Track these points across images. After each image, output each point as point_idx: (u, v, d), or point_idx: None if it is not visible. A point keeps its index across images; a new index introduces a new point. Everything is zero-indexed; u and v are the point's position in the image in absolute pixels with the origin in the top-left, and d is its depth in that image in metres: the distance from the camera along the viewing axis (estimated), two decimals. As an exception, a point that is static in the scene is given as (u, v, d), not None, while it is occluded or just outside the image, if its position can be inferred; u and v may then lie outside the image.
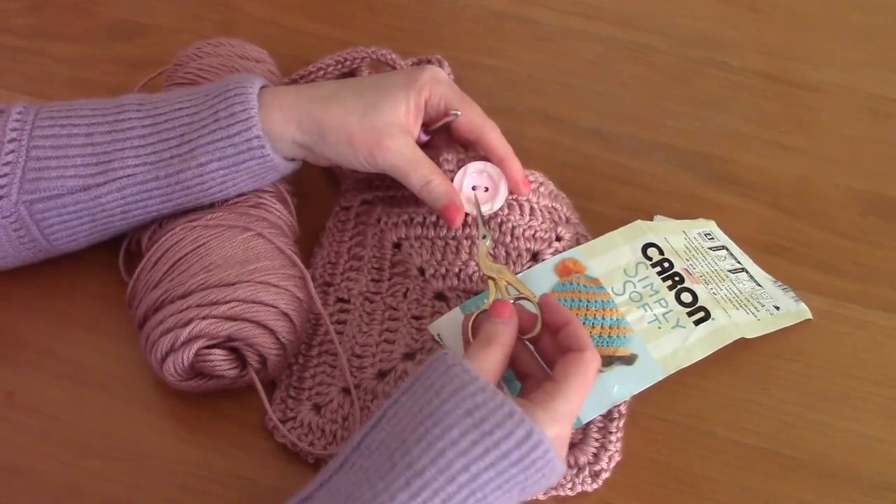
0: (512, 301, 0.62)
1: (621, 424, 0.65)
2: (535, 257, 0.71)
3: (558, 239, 0.71)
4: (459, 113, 0.68)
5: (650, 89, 0.87)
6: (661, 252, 0.70)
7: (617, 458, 0.64)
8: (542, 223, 0.71)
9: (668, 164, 0.81)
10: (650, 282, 0.69)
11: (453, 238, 0.70)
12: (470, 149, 0.72)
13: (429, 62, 0.83)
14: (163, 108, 0.66)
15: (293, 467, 0.64)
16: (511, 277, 0.64)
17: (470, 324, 0.62)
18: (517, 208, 0.70)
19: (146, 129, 0.65)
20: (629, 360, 0.65)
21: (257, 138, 0.65)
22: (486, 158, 0.70)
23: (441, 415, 0.52)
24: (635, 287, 0.68)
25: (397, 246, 0.72)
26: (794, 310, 0.71)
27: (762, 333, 0.68)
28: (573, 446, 0.64)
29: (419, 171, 0.67)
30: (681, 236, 0.73)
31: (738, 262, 0.74)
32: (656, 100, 0.86)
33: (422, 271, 0.71)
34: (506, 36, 0.91)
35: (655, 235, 0.71)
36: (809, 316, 0.71)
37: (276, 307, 0.64)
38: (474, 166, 0.70)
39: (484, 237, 0.67)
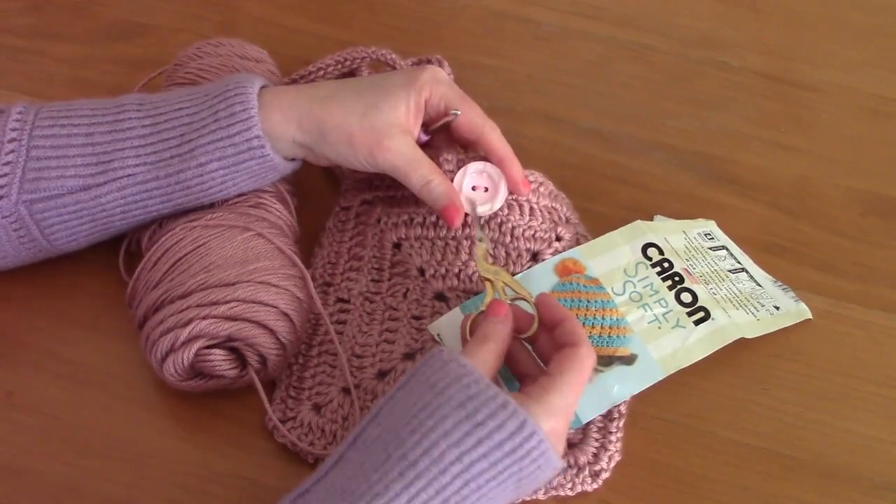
0: (508, 301, 0.63)
1: (621, 424, 0.65)
2: (535, 257, 0.71)
3: (558, 239, 0.71)
4: (459, 113, 0.68)
5: (650, 89, 0.87)
6: (661, 252, 0.70)
7: (617, 457, 0.64)
8: (541, 223, 0.71)
9: (668, 164, 0.81)
10: (650, 282, 0.69)
11: (453, 238, 0.70)
12: (469, 149, 0.72)
13: (429, 62, 0.83)
14: (163, 108, 0.66)
15: (293, 467, 0.64)
16: (508, 278, 0.65)
17: (468, 325, 0.62)
18: (517, 208, 0.70)
19: (146, 129, 0.65)
20: (629, 360, 0.65)
21: (257, 138, 0.65)
22: (485, 159, 0.70)
23: (434, 407, 0.53)
24: (635, 287, 0.68)
25: (397, 246, 0.72)
26: (793, 310, 0.71)
27: (762, 333, 0.68)
28: (573, 446, 0.64)
29: (419, 171, 0.67)
30: (681, 236, 0.73)
31: (738, 263, 0.74)
32: (656, 100, 0.86)
33: (422, 271, 0.71)
34: (506, 36, 0.91)
35: (655, 235, 0.71)
36: (809, 316, 0.71)
37: (276, 307, 0.64)
38: (474, 166, 0.70)
39: (480, 240, 0.67)
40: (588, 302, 0.67)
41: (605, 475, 0.63)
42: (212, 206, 0.68)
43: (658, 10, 0.94)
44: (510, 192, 0.70)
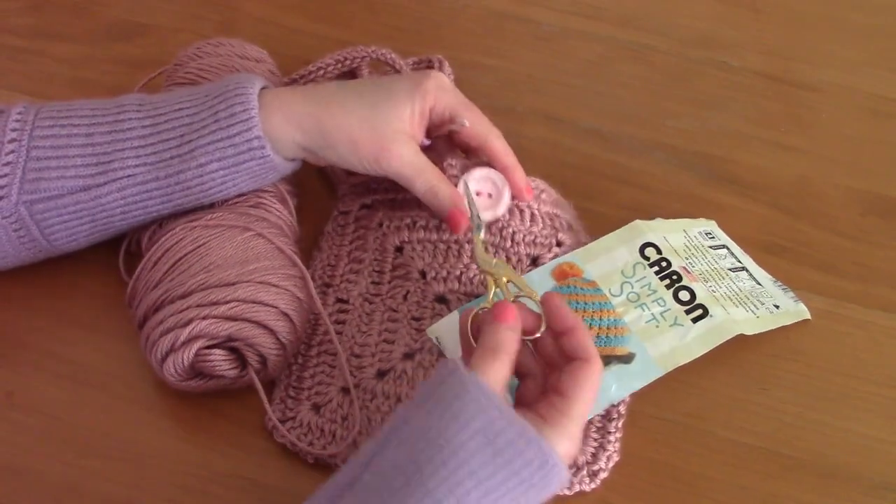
0: (512, 299, 0.61)
1: (620, 424, 0.65)
2: (535, 262, 0.71)
3: (558, 244, 0.71)
4: (468, 123, 0.68)
5: (650, 89, 0.87)
6: (659, 251, 0.70)
7: (615, 457, 0.64)
8: (542, 229, 0.71)
9: (668, 164, 0.81)
10: (648, 281, 0.69)
11: (455, 242, 0.70)
12: (471, 154, 0.72)
13: (429, 62, 0.83)
14: (163, 108, 0.66)
15: (293, 467, 0.64)
16: (511, 274, 0.62)
17: (469, 322, 0.60)
18: (518, 214, 0.70)
19: (146, 130, 0.65)
20: (627, 358, 0.65)
21: (257, 139, 0.65)
22: (489, 164, 0.70)
23: (459, 443, 0.51)
24: (633, 287, 0.68)
25: (399, 249, 0.72)
26: (793, 310, 0.71)
27: (761, 331, 0.68)
28: (572, 446, 0.64)
29: (424, 176, 0.67)
30: (680, 235, 0.73)
31: (739, 262, 0.74)
32: (656, 100, 0.86)
33: (423, 274, 0.71)
34: (506, 36, 0.91)
35: (654, 234, 0.71)
36: (808, 317, 0.71)
37: (276, 307, 0.64)
38: (478, 172, 0.70)
39: (478, 227, 0.66)
40: (585, 304, 0.67)
41: (603, 475, 0.63)
42: (212, 206, 0.68)
43: (658, 10, 0.93)
44: (513, 198, 0.70)
